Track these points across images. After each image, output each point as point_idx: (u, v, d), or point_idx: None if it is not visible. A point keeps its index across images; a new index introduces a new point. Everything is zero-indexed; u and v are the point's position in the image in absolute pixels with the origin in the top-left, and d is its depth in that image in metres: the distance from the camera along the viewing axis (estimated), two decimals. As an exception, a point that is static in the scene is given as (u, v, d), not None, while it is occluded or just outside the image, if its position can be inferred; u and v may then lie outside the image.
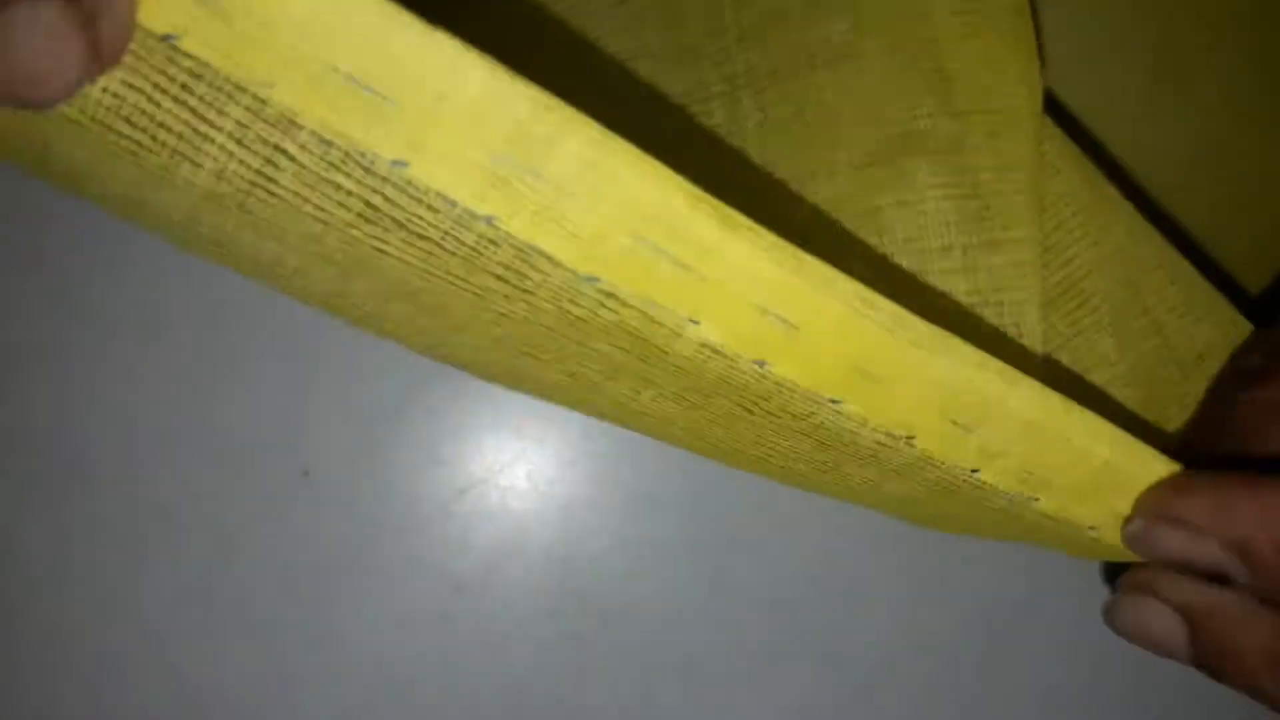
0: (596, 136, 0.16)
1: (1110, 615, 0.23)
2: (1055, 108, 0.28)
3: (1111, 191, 0.27)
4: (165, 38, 0.15)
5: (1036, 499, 0.21)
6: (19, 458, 0.30)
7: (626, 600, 0.30)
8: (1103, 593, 0.25)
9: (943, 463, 0.20)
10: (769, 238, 0.17)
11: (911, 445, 0.19)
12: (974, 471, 0.20)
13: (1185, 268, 0.28)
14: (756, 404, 0.19)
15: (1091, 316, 0.27)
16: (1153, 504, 0.21)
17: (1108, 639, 0.23)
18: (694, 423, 0.21)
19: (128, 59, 0.16)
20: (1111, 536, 0.22)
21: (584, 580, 0.30)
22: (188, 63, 0.16)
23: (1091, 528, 0.21)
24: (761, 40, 0.27)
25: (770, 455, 0.22)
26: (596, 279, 0.17)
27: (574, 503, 0.31)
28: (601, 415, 0.24)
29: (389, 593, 0.30)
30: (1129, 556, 0.22)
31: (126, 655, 0.30)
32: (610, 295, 0.17)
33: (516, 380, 0.24)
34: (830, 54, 0.26)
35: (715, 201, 0.17)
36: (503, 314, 0.18)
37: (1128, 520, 0.21)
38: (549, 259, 0.17)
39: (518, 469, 0.30)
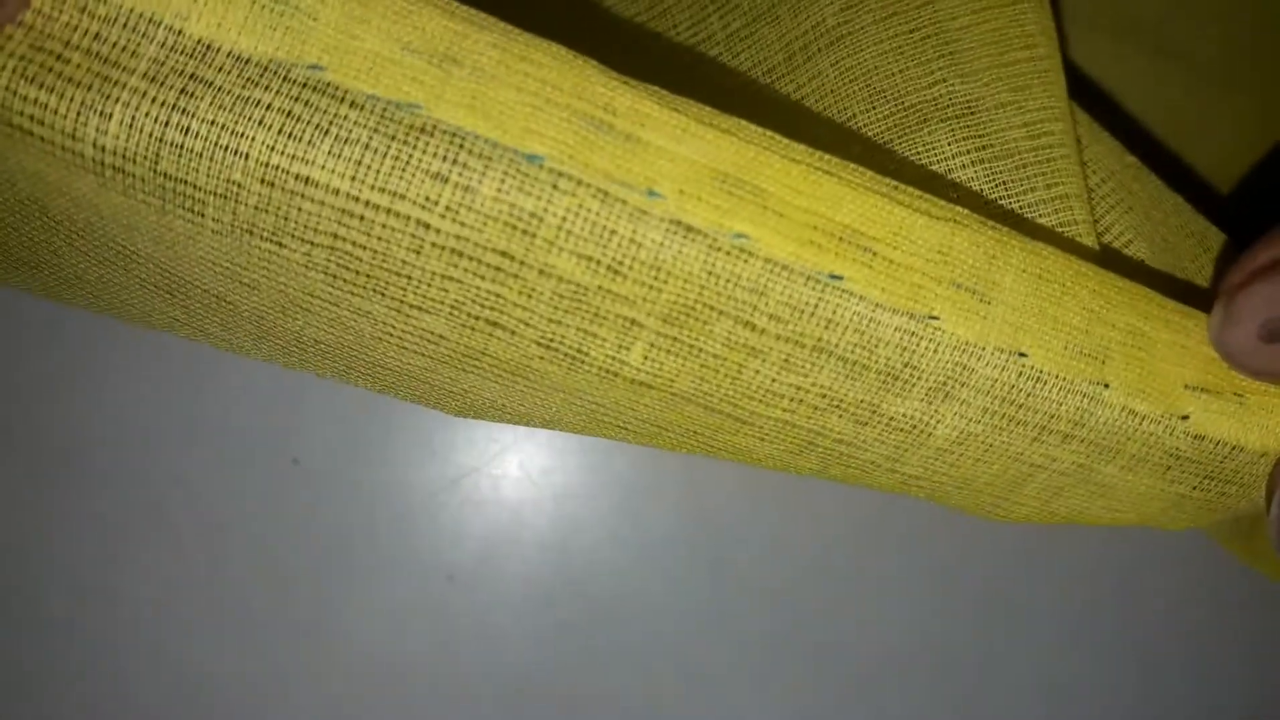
0: (505, 38, 0.16)
1: None
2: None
3: (1132, 159, 0.25)
4: None
5: (1106, 384, 0.18)
6: (8, 450, 0.29)
7: (620, 590, 0.30)
8: (1094, 589, 0.24)
9: (982, 347, 0.17)
10: (703, 107, 0.17)
11: (938, 329, 0.17)
12: (1021, 355, 0.18)
13: (1214, 234, 0.25)
14: (757, 310, 0.17)
15: None
16: (1222, 286, 0.19)
17: (1107, 632, 0.22)
18: (699, 384, 0.19)
19: (38, 19, 0.16)
20: (1211, 419, 0.19)
21: (577, 570, 0.30)
22: (102, 9, 0.16)
23: (1184, 416, 0.18)
24: (752, 41, 0.26)
25: (795, 415, 0.19)
26: (539, 157, 0.16)
27: (567, 492, 0.29)
28: (594, 417, 0.21)
29: (381, 582, 0.29)
30: (1236, 469, 0.19)
31: (115, 646, 0.29)
32: (560, 174, 0.16)
33: (492, 382, 0.21)
34: (826, 39, 0.25)
35: (631, 80, 0.17)
36: (450, 249, 0.17)
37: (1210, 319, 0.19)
38: (485, 140, 0.16)
39: (510, 458, 0.29)
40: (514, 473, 0.30)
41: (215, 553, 0.29)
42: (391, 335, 0.19)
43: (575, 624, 0.30)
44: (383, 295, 0.18)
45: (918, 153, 0.24)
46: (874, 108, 0.24)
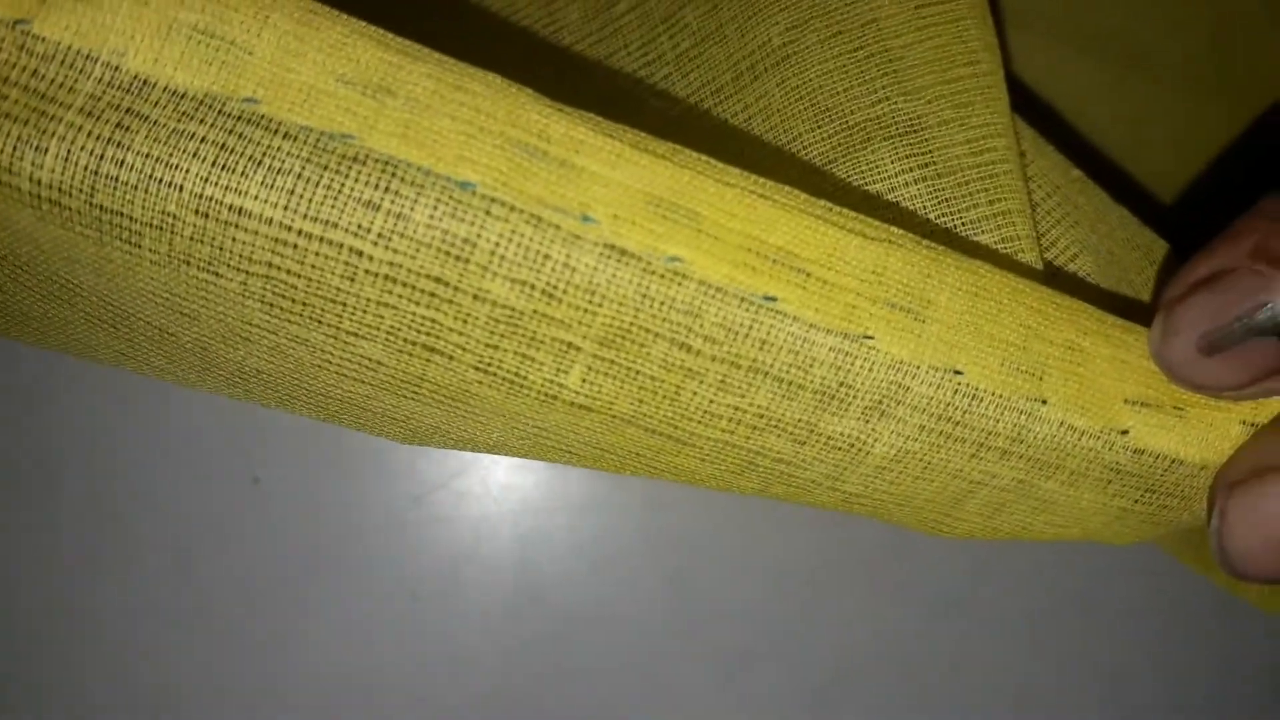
0: (440, 69, 0.17)
1: (1224, 542, 0.18)
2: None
3: (1078, 173, 0.26)
4: (17, 24, 0.16)
5: (1043, 401, 0.18)
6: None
7: (584, 604, 0.30)
8: (1060, 595, 0.25)
9: (917, 365, 0.18)
10: (638, 133, 0.17)
11: (873, 348, 0.17)
12: (956, 373, 0.18)
13: (1160, 246, 0.25)
14: (692, 332, 0.17)
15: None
16: (1162, 299, 0.19)
17: (1071, 640, 0.22)
18: (638, 406, 0.19)
19: None
20: (1150, 433, 0.19)
21: (541, 584, 0.30)
22: (40, 47, 0.16)
23: (1123, 431, 0.18)
24: (700, 61, 0.26)
25: (734, 435, 0.19)
26: (472, 184, 0.16)
27: (529, 507, 0.30)
28: (536, 441, 0.21)
29: (346, 600, 0.29)
30: (1176, 482, 0.19)
31: (76, 666, 0.29)
32: (493, 200, 0.16)
33: (433, 408, 0.21)
34: (772, 59, 0.25)
35: (566, 107, 0.17)
36: (384, 276, 0.17)
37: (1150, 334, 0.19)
38: (418, 168, 0.16)
39: (472, 474, 0.30)
40: (475, 489, 0.30)
41: (176, 573, 0.29)
42: (330, 363, 0.19)
43: (539, 637, 0.30)
44: (319, 322, 0.18)
45: (862, 172, 0.24)
46: (819, 126, 0.24)
